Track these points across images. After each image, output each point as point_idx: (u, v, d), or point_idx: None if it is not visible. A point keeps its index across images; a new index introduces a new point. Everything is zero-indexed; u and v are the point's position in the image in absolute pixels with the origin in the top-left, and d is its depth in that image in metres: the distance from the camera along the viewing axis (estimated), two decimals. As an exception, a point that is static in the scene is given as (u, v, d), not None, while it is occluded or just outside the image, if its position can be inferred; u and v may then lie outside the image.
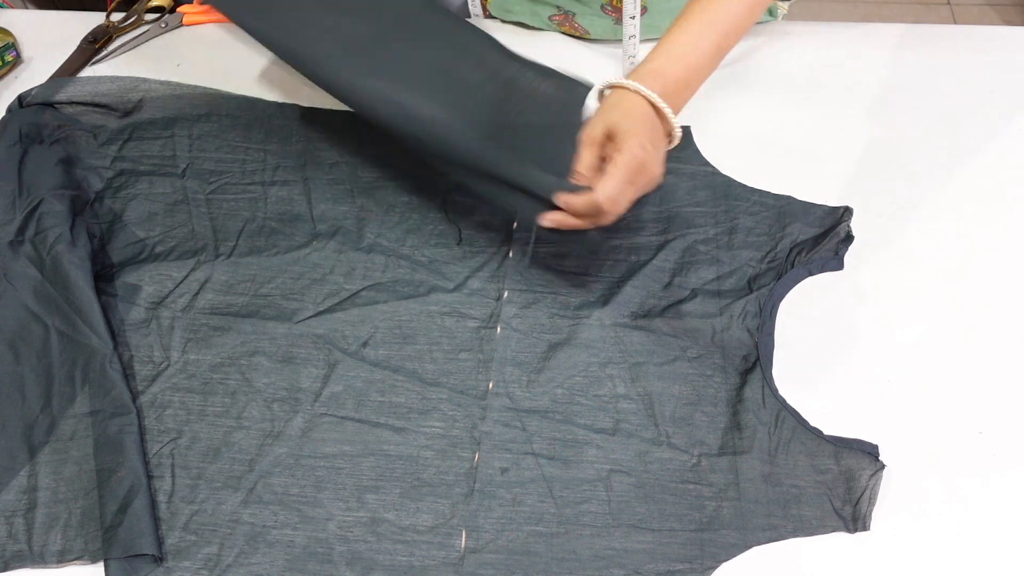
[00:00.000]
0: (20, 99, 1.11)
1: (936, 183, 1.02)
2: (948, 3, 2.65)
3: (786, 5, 1.22)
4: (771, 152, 1.06)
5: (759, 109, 1.11)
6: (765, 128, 1.08)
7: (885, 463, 0.80)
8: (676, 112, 0.79)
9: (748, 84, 1.14)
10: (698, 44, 0.81)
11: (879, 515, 0.78)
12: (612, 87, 0.81)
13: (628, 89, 0.78)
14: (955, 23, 2.57)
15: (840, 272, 0.94)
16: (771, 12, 1.22)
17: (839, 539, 0.77)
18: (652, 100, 0.78)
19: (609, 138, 0.77)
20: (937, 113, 1.09)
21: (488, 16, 1.27)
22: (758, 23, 1.19)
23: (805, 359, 0.88)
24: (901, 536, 0.77)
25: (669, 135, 0.81)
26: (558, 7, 1.17)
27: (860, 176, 1.02)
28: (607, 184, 0.75)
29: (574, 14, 1.16)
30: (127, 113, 1.11)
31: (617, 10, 1.13)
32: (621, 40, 1.14)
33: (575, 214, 0.78)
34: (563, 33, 1.21)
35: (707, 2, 0.82)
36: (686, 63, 0.81)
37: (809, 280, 0.94)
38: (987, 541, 0.77)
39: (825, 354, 0.89)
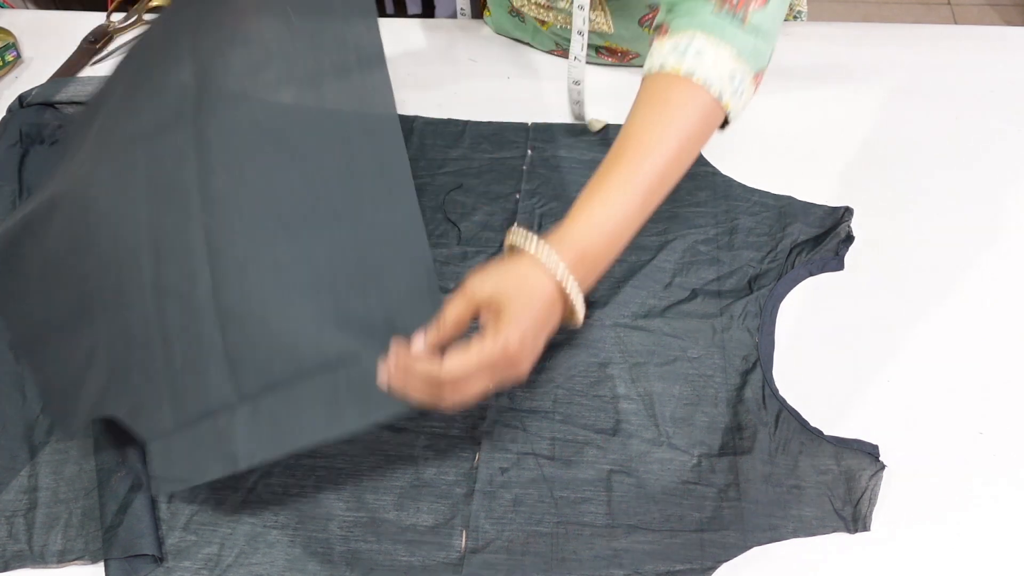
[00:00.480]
0: (20, 99, 1.11)
1: (936, 183, 1.02)
2: (948, 3, 2.65)
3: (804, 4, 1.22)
4: (771, 152, 1.06)
5: (759, 109, 1.09)
6: (765, 128, 1.08)
7: (885, 463, 0.80)
8: (588, 287, 0.69)
9: None
10: (622, 207, 0.69)
11: (879, 515, 0.78)
12: (518, 249, 0.68)
13: (538, 262, 0.66)
14: (955, 23, 2.57)
15: (840, 272, 0.94)
16: (796, 16, 1.22)
17: (839, 539, 0.77)
18: (560, 282, 0.66)
19: (491, 306, 0.64)
20: (937, 113, 1.10)
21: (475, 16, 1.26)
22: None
23: (805, 359, 0.88)
24: (901, 536, 0.77)
25: (572, 313, 0.68)
26: (557, 44, 1.17)
27: (860, 176, 1.03)
28: (459, 360, 0.62)
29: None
30: None
31: (613, 53, 1.13)
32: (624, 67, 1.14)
33: (407, 376, 0.64)
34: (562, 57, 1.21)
35: (630, 155, 0.70)
36: (607, 230, 0.69)
37: (809, 280, 0.94)
38: (987, 541, 0.77)
39: (825, 354, 0.89)
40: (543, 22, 1.10)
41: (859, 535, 0.77)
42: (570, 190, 1.01)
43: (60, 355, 0.80)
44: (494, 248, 0.97)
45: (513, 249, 0.68)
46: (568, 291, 0.65)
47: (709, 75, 0.69)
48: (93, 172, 0.78)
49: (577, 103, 0.98)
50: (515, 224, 0.71)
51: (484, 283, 0.65)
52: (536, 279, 0.65)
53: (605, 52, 1.13)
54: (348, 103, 0.77)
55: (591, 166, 1.02)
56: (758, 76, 0.74)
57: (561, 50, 1.18)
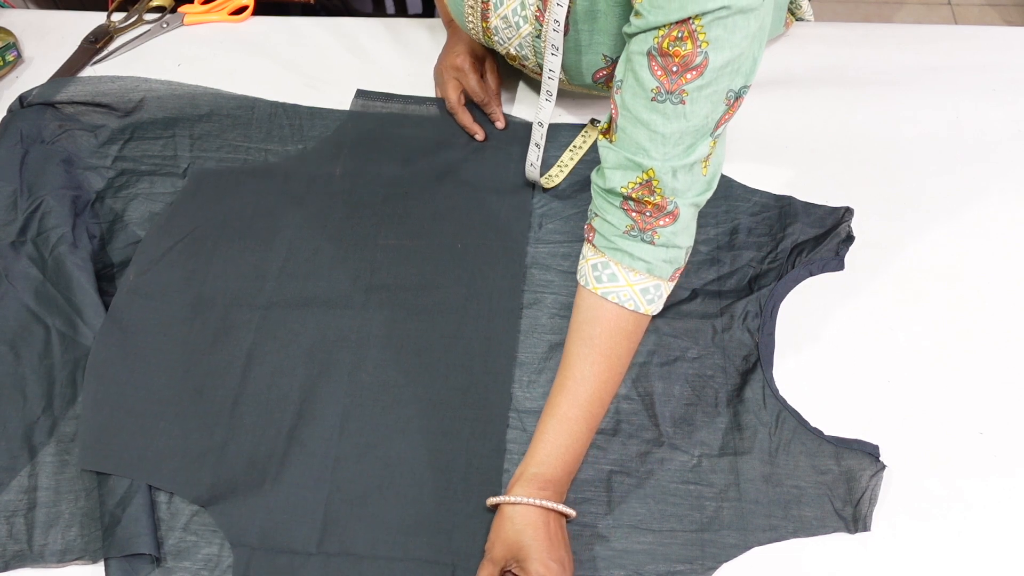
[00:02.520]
0: (21, 99, 1.11)
1: (936, 183, 1.02)
2: (948, 3, 2.65)
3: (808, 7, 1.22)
4: (771, 152, 1.05)
5: (759, 109, 1.11)
6: (765, 128, 1.08)
7: (886, 464, 0.80)
8: (564, 489, 0.78)
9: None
10: (574, 433, 0.78)
11: (880, 516, 0.78)
12: (501, 504, 0.77)
13: (518, 507, 0.75)
14: (955, 23, 2.56)
15: (840, 272, 0.94)
16: (797, 16, 1.22)
17: (840, 539, 0.77)
18: (541, 506, 0.74)
19: (510, 558, 0.74)
20: (937, 113, 1.10)
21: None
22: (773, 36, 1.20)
23: (806, 359, 0.88)
24: (902, 537, 0.77)
25: (561, 515, 0.77)
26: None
27: (860, 176, 1.03)
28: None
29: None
30: (128, 113, 1.11)
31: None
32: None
33: None
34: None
35: (568, 387, 0.79)
36: (569, 457, 0.77)
37: (810, 280, 0.94)
38: (988, 542, 0.77)
39: (825, 354, 0.89)
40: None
41: (859, 535, 0.77)
42: (569, 190, 1.01)
43: (143, 407, 0.87)
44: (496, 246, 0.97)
45: (496, 507, 0.77)
46: (547, 506, 0.75)
47: (622, 295, 0.80)
48: (269, 312, 0.93)
49: (532, 166, 1.01)
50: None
51: (495, 545, 0.75)
52: (523, 518, 0.74)
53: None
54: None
55: (590, 166, 1.02)
56: (676, 273, 0.82)
57: None
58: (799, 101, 1.12)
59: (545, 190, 1.02)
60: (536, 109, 0.98)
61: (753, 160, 1.04)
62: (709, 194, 0.81)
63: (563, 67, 0.95)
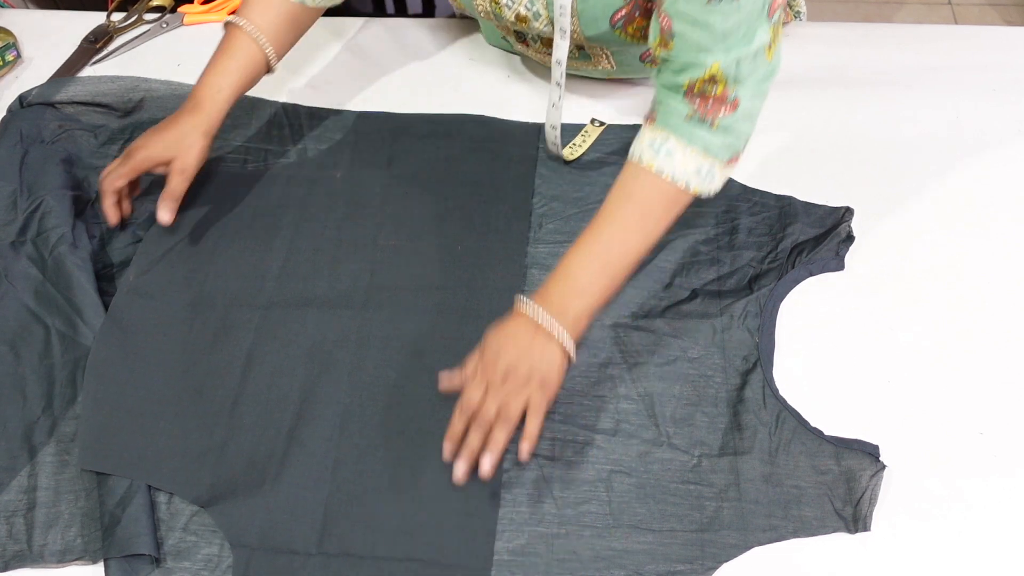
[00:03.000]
0: (21, 99, 1.11)
1: (936, 183, 1.02)
2: (949, 3, 2.65)
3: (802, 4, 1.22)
4: (771, 152, 1.06)
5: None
6: (765, 128, 1.07)
7: (886, 464, 0.80)
8: (567, 322, 0.80)
9: None
10: (588, 267, 0.82)
11: (880, 515, 0.78)
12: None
13: (516, 311, 0.82)
14: (955, 23, 2.56)
15: (840, 272, 0.94)
16: (796, 15, 1.22)
17: (840, 539, 0.77)
18: (524, 312, 0.80)
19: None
20: (937, 113, 1.10)
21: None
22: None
23: (806, 359, 0.88)
24: (902, 536, 0.77)
25: (563, 351, 0.80)
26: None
27: (860, 176, 1.03)
28: (460, 378, 0.81)
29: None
30: (128, 113, 1.11)
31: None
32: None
33: (455, 429, 0.79)
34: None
35: (595, 225, 0.83)
36: (578, 286, 0.81)
37: (810, 280, 0.94)
38: (988, 541, 0.77)
39: (825, 354, 0.89)
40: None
41: (859, 535, 0.77)
42: (569, 190, 1.02)
43: (143, 407, 0.87)
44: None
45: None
46: (529, 313, 0.80)
47: (676, 172, 0.81)
48: (269, 312, 0.93)
49: (554, 144, 1.02)
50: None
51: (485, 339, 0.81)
52: (511, 321, 0.81)
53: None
54: None
55: (593, 167, 1.02)
56: (733, 159, 0.84)
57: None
58: (799, 101, 1.12)
59: (567, 162, 1.04)
60: (547, 106, 0.99)
61: (753, 160, 1.04)
62: (774, 78, 0.83)
63: (577, 13, 0.94)
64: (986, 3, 2.60)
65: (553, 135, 1.01)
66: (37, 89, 1.13)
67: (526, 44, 1.07)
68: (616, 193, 0.84)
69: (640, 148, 0.83)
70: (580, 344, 0.82)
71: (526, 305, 0.81)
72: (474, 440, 0.78)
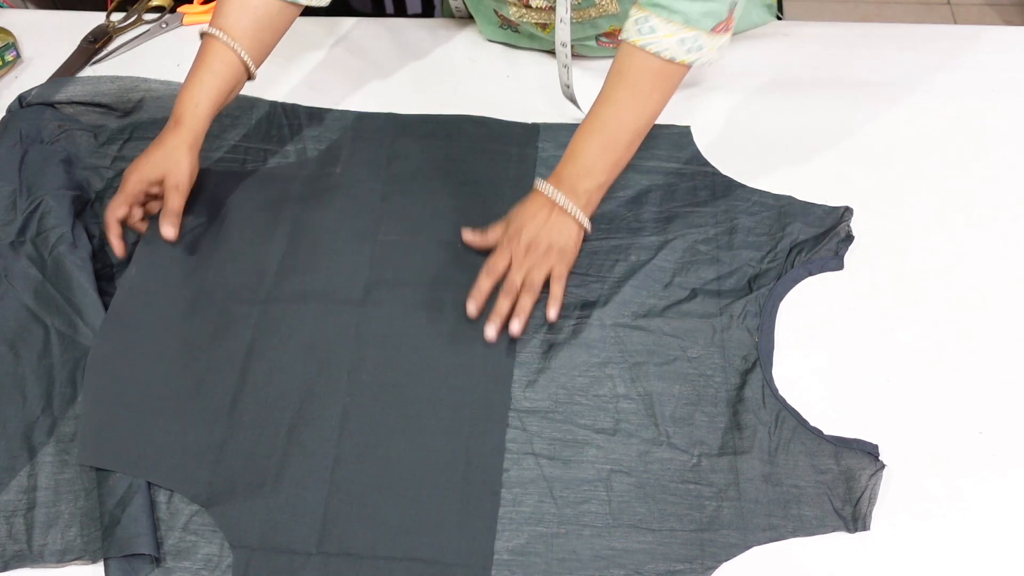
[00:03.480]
0: (20, 99, 1.11)
1: (936, 183, 1.02)
2: (948, 3, 2.65)
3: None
4: (771, 152, 1.06)
5: (759, 109, 1.11)
6: (765, 128, 1.08)
7: (885, 463, 0.80)
8: (582, 200, 0.90)
9: (748, 84, 1.15)
10: (591, 153, 0.91)
11: (879, 515, 0.78)
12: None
13: (534, 191, 0.93)
14: (955, 23, 2.56)
15: (840, 272, 0.94)
16: (772, 11, 1.22)
17: (839, 539, 0.77)
18: (541, 191, 0.91)
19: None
20: (937, 113, 1.10)
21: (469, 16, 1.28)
22: (758, 25, 1.21)
23: (805, 359, 0.89)
24: (901, 536, 0.77)
25: (577, 224, 0.91)
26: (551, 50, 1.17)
27: (860, 176, 1.03)
28: (494, 230, 0.94)
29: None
30: (127, 113, 1.11)
31: (613, 37, 1.13)
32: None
33: (480, 291, 0.90)
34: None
35: (594, 110, 0.92)
36: (582, 163, 0.91)
37: (809, 280, 0.94)
38: (987, 541, 0.77)
39: (825, 354, 0.89)
40: (544, 25, 1.11)
41: (859, 535, 0.77)
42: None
43: (142, 403, 0.87)
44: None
45: None
46: (546, 193, 0.91)
47: (660, 45, 0.88)
48: (268, 307, 0.93)
49: (567, 86, 1.08)
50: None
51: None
52: (529, 199, 0.92)
53: (606, 39, 1.14)
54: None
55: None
56: (719, 27, 0.89)
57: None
58: (799, 101, 1.12)
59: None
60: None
61: (753, 160, 1.04)
62: None
63: None
64: (985, 3, 2.61)
65: (564, 70, 1.06)
66: (37, 89, 1.13)
67: (527, 4, 1.08)
68: (611, 76, 0.92)
69: (627, 29, 0.90)
70: (594, 218, 0.92)
71: (543, 186, 0.91)
72: (503, 306, 0.89)
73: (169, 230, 0.94)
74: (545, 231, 0.90)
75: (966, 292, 0.93)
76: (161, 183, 0.95)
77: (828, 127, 1.09)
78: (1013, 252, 0.96)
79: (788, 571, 0.77)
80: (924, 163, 1.04)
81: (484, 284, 0.90)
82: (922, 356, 0.88)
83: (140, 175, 0.94)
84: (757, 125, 1.09)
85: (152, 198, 0.97)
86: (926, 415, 0.84)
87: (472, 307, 0.89)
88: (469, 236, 0.95)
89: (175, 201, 0.94)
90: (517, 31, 1.18)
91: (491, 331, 0.88)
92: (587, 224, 0.91)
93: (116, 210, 0.94)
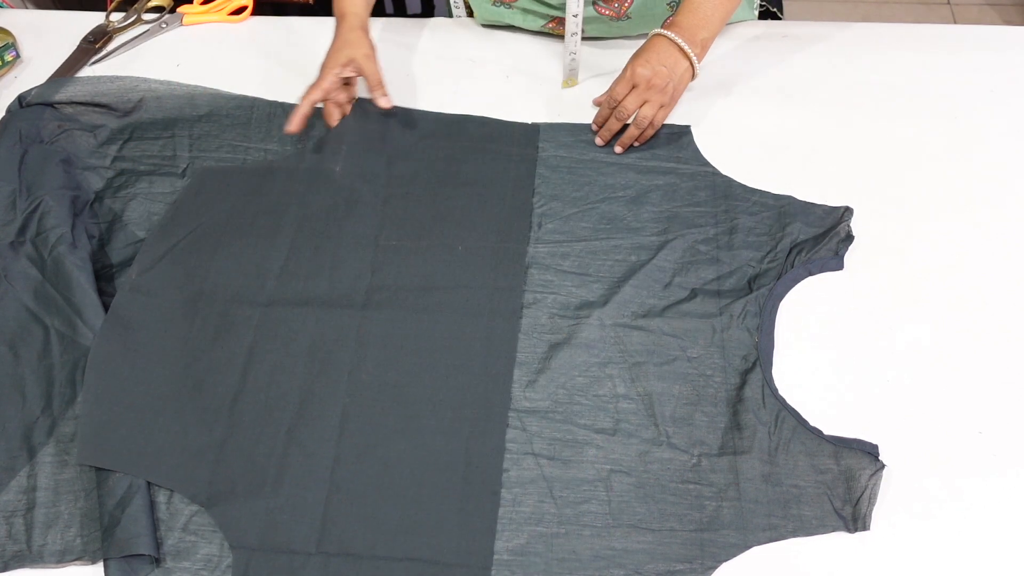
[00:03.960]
0: (20, 99, 1.11)
1: (936, 183, 1.03)
2: (948, 3, 2.65)
3: None
4: (771, 152, 1.06)
5: (759, 109, 1.11)
6: (765, 128, 1.09)
7: (885, 463, 0.80)
8: (694, 43, 1.02)
9: (748, 84, 1.15)
10: (716, 9, 1.04)
11: (879, 515, 0.78)
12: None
13: (655, 36, 1.04)
14: (955, 23, 2.56)
15: (840, 272, 0.94)
16: (752, 6, 1.24)
17: (839, 539, 0.78)
18: (669, 36, 1.02)
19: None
20: (937, 113, 1.10)
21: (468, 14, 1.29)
22: (741, 20, 1.23)
23: (805, 359, 0.89)
24: (901, 536, 0.77)
25: (692, 68, 1.04)
26: (550, 15, 1.19)
27: (860, 176, 1.03)
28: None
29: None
30: (127, 113, 1.11)
31: (609, 3, 1.14)
32: (614, 37, 1.19)
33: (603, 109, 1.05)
34: (556, 36, 1.22)
35: None
36: (713, 22, 1.04)
37: (809, 280, 0.94)
38: (987, 541, 0.77)
39: (825, 354, 0.89)
40: None
41: (859, 534, 0.77)
42: (569, 190, 1.02)
43: (142, 403, 0.87)
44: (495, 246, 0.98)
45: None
46: (670, 36, 1.02)
47: None
48: (269, 310, 0.93)
49: (572, 55, 1.13)
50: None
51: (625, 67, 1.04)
52: (650, 41, 1.04)
53: (602, 3, 1.15)
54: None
55: (592, 167, 1.03)
56: None
57: (554, 20, 1.19)
58: (799, 101, 1.12)
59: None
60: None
61: (753, 160, 1.04)
62: None
63: None
64: (985, 3, 2.61)
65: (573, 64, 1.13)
66: (36, 89, 1.13)
67: None
68: None
69: None
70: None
71: (667, 32, 1.02)
72: (614, 124, 1.04)
73: (384, 100, 1.06)
74: (668, 68, 1.01)
75: (966, 292, 0.93)
76: (350, 63, 1.05)
77: (828, 127, 1.09)
78: (1013, 252, 0.96)
79: (788, 571, 0.77)
80: (924, 163, 1.05)
81: (604, 112, 1.05)
82: (922, 356, 0.88)
83: (330, 66, 1.05)
84: (757, 125, 1.09)
85: (345, 84, 1.08)
86: (926, 415, 0.85)
87: (599, 140, 1.06)
88: (598, 98, 1.10)
89: (371, 69, 1.06)
90: (511, 7, 1.19)
91: (599, 140, 1.06)
92: (698, 70, 1.04)
93: (312, 95, 1.04)
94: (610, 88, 1.04)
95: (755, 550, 0.78)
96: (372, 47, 1.07)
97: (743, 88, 1.14)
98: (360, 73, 1.07)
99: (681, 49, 1.02)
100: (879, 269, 0.95)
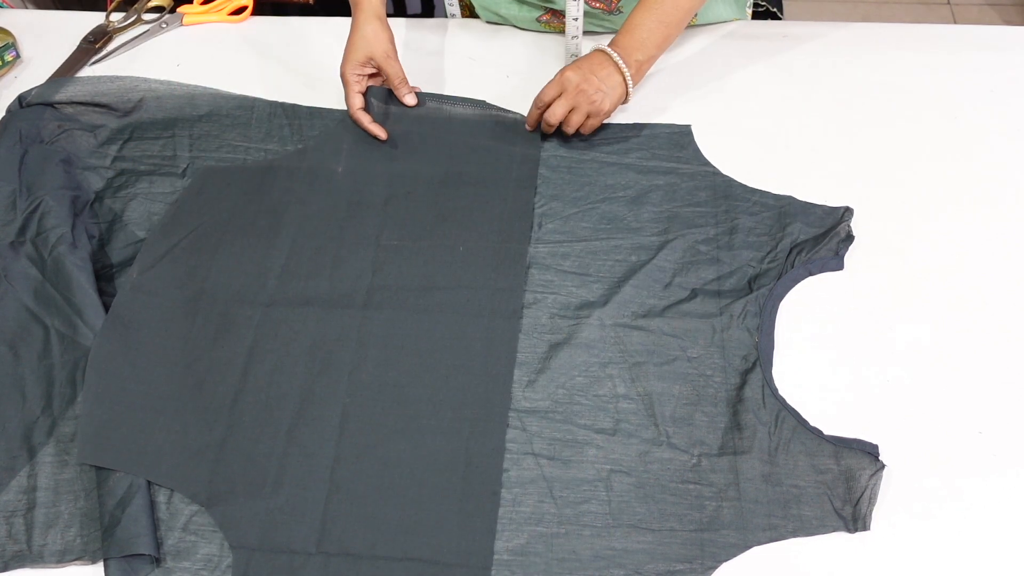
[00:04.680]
0: (20, 99, 1.12)
1: (936, 183, 1.03)
2: (948, 3, 2.66)
3: None
4: (771, 152, 1.06)
5: (759, 109, 1.12)
6: (765, 128, 1.09)
7: (885, 463, 0.80)
8: (631, 61, 1.04)
9: (748, 84, 1.15)
10: (652, 34, 1.05)
11: (879, 515, 0.78)
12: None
13: (594, 52, 1.05)
14: (955, 23, 2.57)
15: (840, 272, 0.95)
16: (742, 6, 1.24)
17: (839, 539, 0.78)
18: (606, 51, 1.04)
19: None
20: (937, 113, 1.10)
21: (470, 15, 1.30)
22: (726, 20, 1.24)
23: (805, 359, 0.89)
24: (901, 536, 0.78)
25: (625, 86, 1.05)
26: (546, 7, 1.20)
27: (860, 176, 1.03)
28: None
29: (563, 11, 1.18)
30: (127, 113, 1.12)
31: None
32: (607, 32, 1.21)
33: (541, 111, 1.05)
34: (552, 31, 1.23)
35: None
36: (648, 46, 1.05)
37: (809, 280, 0.95)
38: (987, 541, 0.78)
39: (825, 354, 0.89)
40: None
41: (859, 534, 0.78)
42: (568, 190, 1.03)
43: (143, 402, 0.88)
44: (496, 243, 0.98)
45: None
46: (606, 51, 1.04)
47: None
48: (270, 310, 0.94)
49: (575, 38, 1.16)
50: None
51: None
52: (588, 55, 1.06)
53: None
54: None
55: (592, 167, 1.03)
56: None
57: (548, 13, 1.21)
58: (799, 101, 1.12)
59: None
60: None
61: (753, 160, 1.05)
62: None
63: None
64: (985, 3, 2.62)
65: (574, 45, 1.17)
66: (36, 89, 1.13)
67: None
68: None
69: None
70: (636, 89, 1.07)
71: (604, 47, 1.05)
72: (545, 128, 1.05)
73: (410, 97, 1.11)
74: (599, 79, 1.02)
75: (966, 292, 0.93)
76: (371, 60, 1.08)
77: (828, 127, 1.09)
78: (1013, 252, 0.97)
79: (788, 571, 0.77)
80: (924, 163, 1.05)
81: (534, 113, 1.06)
82: (922, 356, 0.89)
83: (351, 65, 1.08)
84: (757, 125, 1.09)
85: (372, 76, 1.11)
86: (926, 415, 0.85)
87: (528, 128, 1.08)
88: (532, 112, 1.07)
89: (395, 69, 1.09)
90: None
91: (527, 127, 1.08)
92: (631, 89, 1.05)
93: (354, 103, 1.08)
94: (540, 91, 1.04)
95: (755, 550, 0.78)
96: (391, 39, 1.09)
97: (743, 88, 1.15)
98: (380, 71, 1.09)
99: (616, 64, 1.03)
100: (879, 270, 0.95)
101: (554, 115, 1.02)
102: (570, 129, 1.03)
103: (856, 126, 1.09)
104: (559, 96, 1.02)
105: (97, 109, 1.12)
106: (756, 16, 1.33)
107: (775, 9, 1.39)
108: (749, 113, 1.11)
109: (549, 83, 1.04)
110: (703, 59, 1.20)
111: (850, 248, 0.96)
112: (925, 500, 0.80)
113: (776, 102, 1.12)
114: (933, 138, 1.08)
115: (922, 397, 0.86)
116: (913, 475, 0.81)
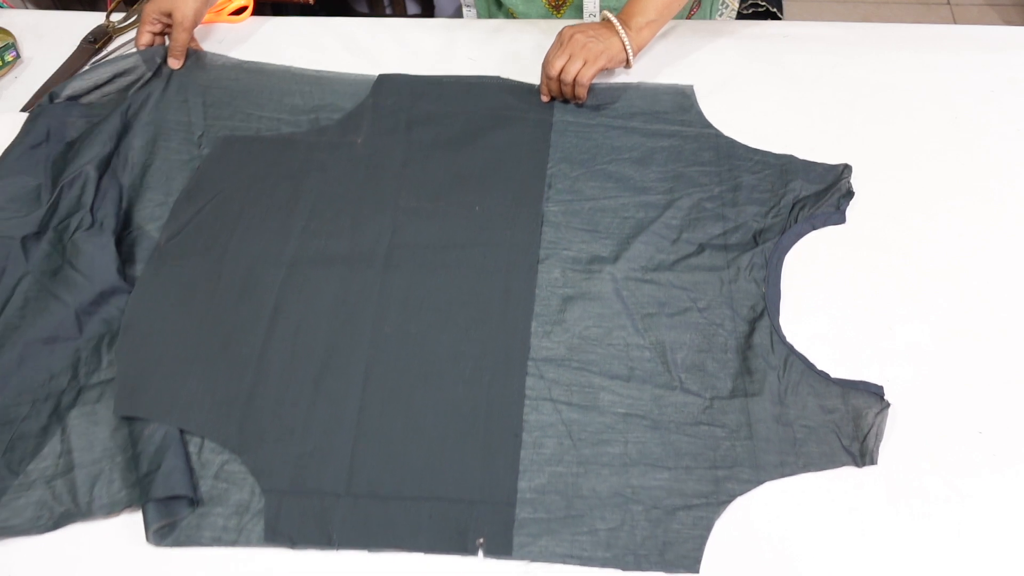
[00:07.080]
0: (51, 96, 1.19)
1: (936, 183, 1.10)
2: (948, 3, 2.77)
3: None
4: (772, 150, 1.14)
5: (759, 109, 1.19)
6: (765, 129, 1.16)
7: (884, 454, 0.87)
8: (631, 30, 1.19)
9: (749, 85, 1.23)
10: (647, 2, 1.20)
11: (879, 514, 0.84)
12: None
13: (600, 19, 1.20)
14: (955, 23, 2.67)
15: (840, 272, 1.02)
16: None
17: (839, 538, 0.83)
18: (608, 17, 1.19)
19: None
20: (937, 113, 1.17)
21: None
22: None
23: (810, 309, 0.97)
24: (901, 535, 0.83)
25: (624, 50, 1.19)
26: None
27: (860, 176, 1.10)
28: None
29: None
30: (147, 82, 1.24)
31: None
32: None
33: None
34: (557, 17, 1.33)
35: None
36: (648, 11, 1.20)
37: (812, 233, 1.04)
38: (986, 540, 0.82)
39: (828, 303, 0.98)
40: None
41: (859, 535, 0.83)
42: (575, 153, 1.13)
43: (174, 356, 0.98)
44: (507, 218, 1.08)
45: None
46: (611, 20, 1.19)
47: None
48: (293, 269, 1.05)
49: (591, 16, 1.30)
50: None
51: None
52: (594, 22, 1.20)
53: None
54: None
55: (598, 131, 1.15)
56: None
57: (553, 3, 1.33)
58: (799, 101, 1.21)
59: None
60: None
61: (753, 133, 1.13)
62: None
63: None
64: (985, 3, 2.71)
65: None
66: (68, 85, 1.20)
67: None
68: None
69: None
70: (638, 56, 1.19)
71: (607, 13, 1.19)
72: (551, 85, 1.18)
73: (174, 62, 1.25)
74: (600, 37, 1.16)
75: (966, 291, 0.99)
76: (169, 16, 1.22)
77: (828, 128, 1.16)
78: (1013, 251, 1.03)
79: (799, 504, 0.85)
80: (924, 163, 1.12)
81: (544, 81, 1.19)
82: (922, 356, 0.95)
83: (153, 6, 1.23)
84: (757, 126, 1.16)
85: (166, 29, 1.25)
86: (926, 415, 0.90)
87: (544, 97, 1.21)
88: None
89: (180, 37, 1.23)
90: None
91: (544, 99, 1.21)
92: (631, 53, 1.18)
93: (140, 40, 1.25)
94: (545, 56, 1.18)
95: (767, 484, 0.85)
96: (197, 11, 1.24)
97: (743, 88, 1.22)
98: (169, 34, 1.25)
99: (614, 27, 1.17)
100: (879, 269, 1.02)
101: (552, 66, 1.15)
102: (568, 78, 1.15)
103: (856, 126, 1.16)
104: (559, 50, 1.15)
105: (121, 81, 1.23)
106: (756, 16, 1.41)
107: (775, 9, 1.47)
108: (749, 113, 1.18)
109: (551, 50, 1.17)
110: (703, 59, 1.26)
111: (849, 248, 1.04)
112: (925, 500, 0.85)
113: (776, 102, 1.20)
114: (933, 138, 1.15)
115: (922, 397, 0.92)
116: (913, 475, 0.86)
